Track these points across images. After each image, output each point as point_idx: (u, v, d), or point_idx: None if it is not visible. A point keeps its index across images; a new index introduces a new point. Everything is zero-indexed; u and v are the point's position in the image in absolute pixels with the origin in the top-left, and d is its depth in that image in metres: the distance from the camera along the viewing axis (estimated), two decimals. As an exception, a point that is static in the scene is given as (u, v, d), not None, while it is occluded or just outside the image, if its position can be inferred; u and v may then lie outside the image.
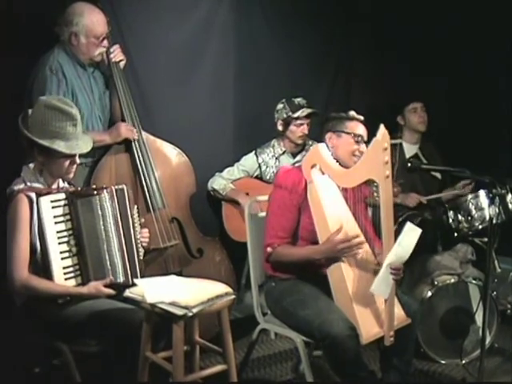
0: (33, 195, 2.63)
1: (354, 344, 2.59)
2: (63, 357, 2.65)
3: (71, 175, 2.79)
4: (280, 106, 3.97)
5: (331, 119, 2.96)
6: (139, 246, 2.87)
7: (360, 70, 4.76)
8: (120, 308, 2.64)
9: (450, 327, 3.54)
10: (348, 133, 2.89)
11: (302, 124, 3.95)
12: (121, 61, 3.46)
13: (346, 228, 2.75)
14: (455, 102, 4.73)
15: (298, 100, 3.95)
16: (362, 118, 2.94)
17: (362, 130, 2.92)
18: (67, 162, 2.72)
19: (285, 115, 3.94)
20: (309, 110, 3.92)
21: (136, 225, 2.86)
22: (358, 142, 2.89)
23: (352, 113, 2.95)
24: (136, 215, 2.88)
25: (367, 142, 2.87)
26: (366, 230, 2.87)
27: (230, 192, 3.97)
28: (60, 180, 2.82)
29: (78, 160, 2.77)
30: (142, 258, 2.87)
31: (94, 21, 3.27)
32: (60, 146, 2.67)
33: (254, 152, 4.08)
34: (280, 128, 4.00)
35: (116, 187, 2.83)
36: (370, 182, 2.77)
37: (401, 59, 4.65)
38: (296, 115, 3.91)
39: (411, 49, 4.60)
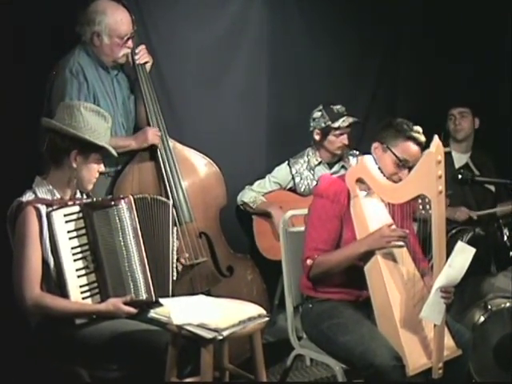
0: (42, 207, 2.61)
1: (399, 375, 2.55)
2: (81, 383, 2.65)
3: (91, 186, 2.79)
4: (317, 114, 3.93)
5: (389, 127, 2.88)
6: (174, 268, 2.85)
7: (406, 73, 4.71)
8: (144, 329, 2.63)
9: (505, 356, 3.46)
10: (393, 153, 2.83)
11: (341, 134, 3.90)
12: (146, 63, 3.48)
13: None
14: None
15: (337, 108, 3.90)
16: (423, 139, 2.82)
17: (411, 154, 2.81)
18: (96, 168, 2.75)
19: (323, 124, 3.90)
20: (350, 120, 3.87)
21: (175, 244, 2.86)
22: (399, 166, 2.83)
23: (416, 129, 2.84)
24: (175, 235, 2.89)
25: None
26: (414, 250, 2.84)
27: (261, 204, 3.95)
28: (78, 191, 2.81)
29: (103, 168, 2.79)
30: (174, 279, 2.87)
31: (117, 20, 3.29)
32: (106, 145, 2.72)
33: (286, 162, 4.05)
34: (317, 138, 3.96)
35: (151, 196, 2.85)
36: (419, 196, 2.73)
37: (452, 59, 4.61)
38: (336, 125, 3.86)
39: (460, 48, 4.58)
